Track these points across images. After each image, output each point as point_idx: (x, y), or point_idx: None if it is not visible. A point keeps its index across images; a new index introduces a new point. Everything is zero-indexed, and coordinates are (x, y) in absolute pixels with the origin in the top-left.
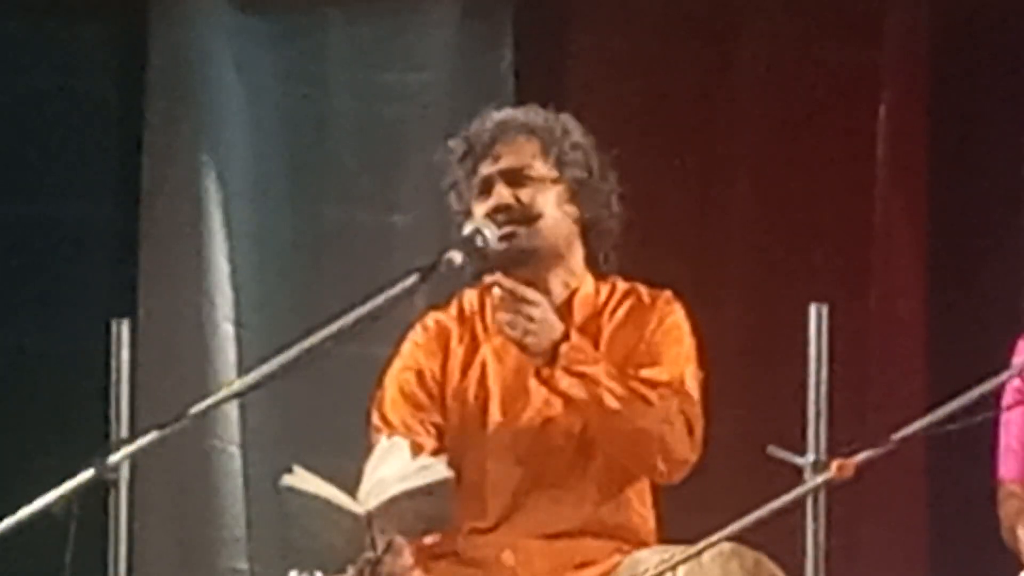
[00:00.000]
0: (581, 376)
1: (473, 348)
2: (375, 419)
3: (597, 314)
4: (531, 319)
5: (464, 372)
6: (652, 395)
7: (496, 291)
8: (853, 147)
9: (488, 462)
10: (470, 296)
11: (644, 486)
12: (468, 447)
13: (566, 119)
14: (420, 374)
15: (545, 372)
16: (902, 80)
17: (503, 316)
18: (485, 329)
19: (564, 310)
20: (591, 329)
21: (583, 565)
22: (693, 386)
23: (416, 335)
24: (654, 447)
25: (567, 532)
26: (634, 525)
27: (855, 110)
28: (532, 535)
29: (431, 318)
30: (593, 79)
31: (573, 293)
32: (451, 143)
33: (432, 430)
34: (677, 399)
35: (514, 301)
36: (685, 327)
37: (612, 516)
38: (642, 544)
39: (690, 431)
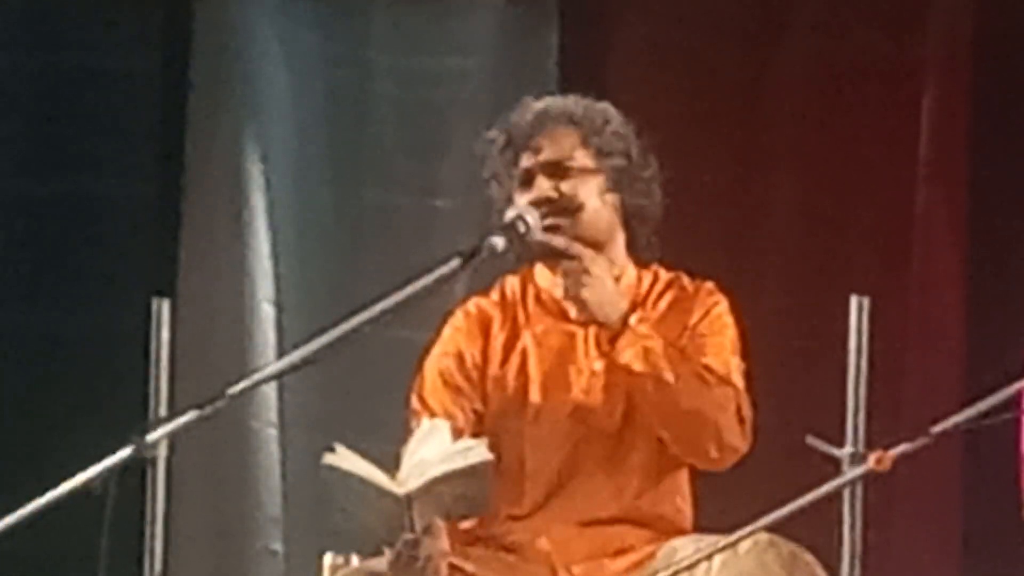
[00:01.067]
0: (644, 350)
1: (514, 334)
2: (414, 403)
3: (640, 303)
4: (589, 275)
5: (505, 358)
6: (709, 378)
7: (561, 265)
8: (895, 139)
9: (526, 448)
10: (512, 282)
11: (683, 477)
12: (507, 433)
13: (605, 107)
14: (460, 359)
15: (606, 346)
16: (945, 72)
17: (566, 281)
18: (527, 315)
19: None
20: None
21: (619, 552)
22: (739, 378)
23: (457, 320)
24: (708, 430)
25: (604, 520)
26: (671, 515)
27: (897, 102)
28: (569, 522)
29: (472, 303)
30: (636, 66)
31: (616, 281)
32: (491, 134)
33: (471, 415)
34: (730, 387)
35: (576, 266)
36: (729, 318)
37: (650, 506)
38: (679, 533)
39: (741, 420)
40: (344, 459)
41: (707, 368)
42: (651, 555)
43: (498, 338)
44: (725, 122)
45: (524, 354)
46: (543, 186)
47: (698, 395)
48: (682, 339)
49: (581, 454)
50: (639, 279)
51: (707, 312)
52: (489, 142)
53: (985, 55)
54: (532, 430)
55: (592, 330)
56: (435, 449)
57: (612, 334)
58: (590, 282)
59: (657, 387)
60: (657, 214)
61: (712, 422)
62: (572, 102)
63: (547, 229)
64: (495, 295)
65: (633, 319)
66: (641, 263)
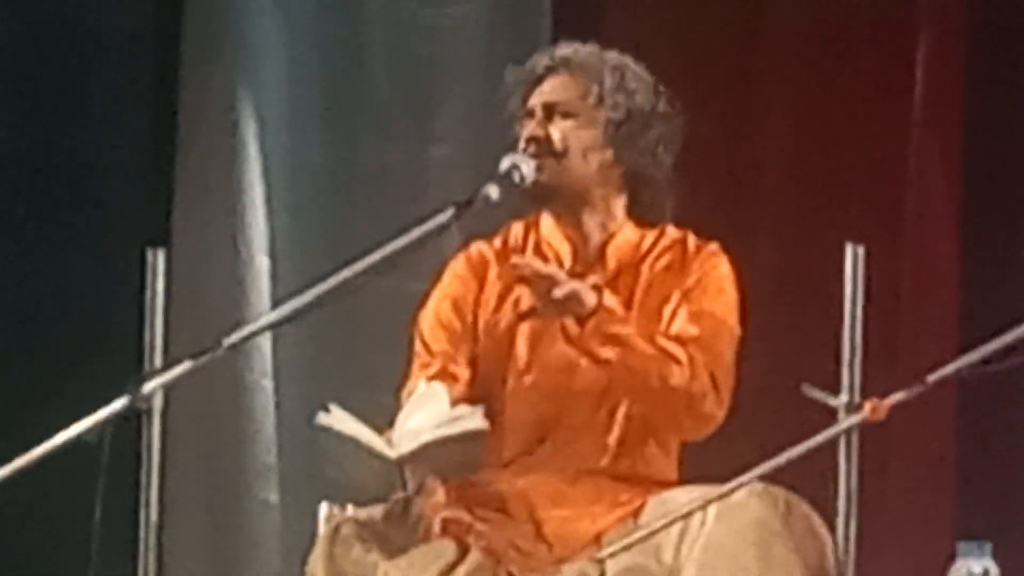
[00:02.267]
0: (610, 337)
1: (510, 282)
2: (417, 345)
3: (637, 262)
4: (564, 296)
5: (499, 304)
6: (680, 353)
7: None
8: (889, 89)
9: (509, 398)
10: (516, 230)
11: (670, 437)
12: (493, 380)
13: (626, 63)
14: (456, 303)
15: (574, 332)
16: (939, 21)
17: (534, 301)
18: (522, 253)
19: (597, 254)
20: (627, 277)
21: (605, 504)
22: (727, 342)
23: (456, 264)
24: (680, 404)
25: (589, 472)
26: (658, 472)
27: (891, 51)
28: (551, 474)
29: (474, 248)
30: (630, 19)
31: (610, 238)
32: (507, 74)
33: (467, 358)
34: (704, 356)
35: (539, 282)
36: (728, 281)
37: (636, 462)
38: (665, 489)
39: (716, 387)
40: (337, 420)
41: (679, 339)
42: (640, 507)
43: (494, 285)
44: (719, 73)
45: (518, 302)
46: (536, 124)
47: (669, 374)
48: (675, 296)
49: (564, 408)
50: (640, 238)
51: (706, 273)
52: (506, 84)
53: (979, 4)
54: (517, 380)
55: (588, 285)
56: (431, 414)
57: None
58: (557, 293)
59: (626, 372)
60: (660, 176)
61: (684, 396)
62: (590, 52)
63: (536, 169)
64: (498, 241)
65: (607, 298)
66: (645, 223)
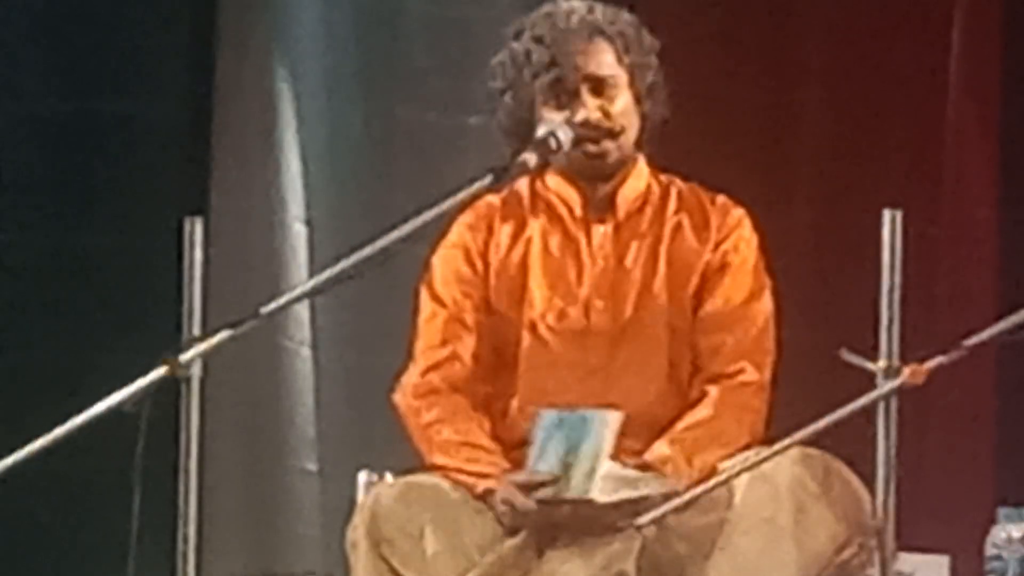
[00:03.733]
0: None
1: (520, 228)
2: (425, 295)
3: (648, 210)
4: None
5: (511, 244)
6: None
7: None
8: (926, 52)
9: (523, 340)
10: (522, 181)
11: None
12: (509, 321)
13: (630, 17)
14: (467, 251)
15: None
16: None
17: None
18: (534, 208)
19: (607, 201)
20: (636, 223)
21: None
22: (761, 328)
23: (464, 216)
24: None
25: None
26: None
27: (929, 16)
28: None
29: (482, 200)
30: None
31: (621, 183)
32: (521, 44)
33: (480, 305)
34: (740, 392)
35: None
36: (751, 236)
37: (669, 411)
38: None
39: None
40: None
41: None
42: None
43: (502, 230)
44: (755, 38)
45: (528, 246)
46: (590, 105)
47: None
48: (696, 271)
49: (581, 353)
50: (648, 186)
51: (730, 231)
52: (519, 52)
53: None
54: (530, 327)
55: (596, 230)
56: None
57: None
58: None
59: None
60: (664, 115)
61: (750, 426)
62: (600, 13)
63: (596, 156)
64: (505, 191)
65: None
66: (652, 166)
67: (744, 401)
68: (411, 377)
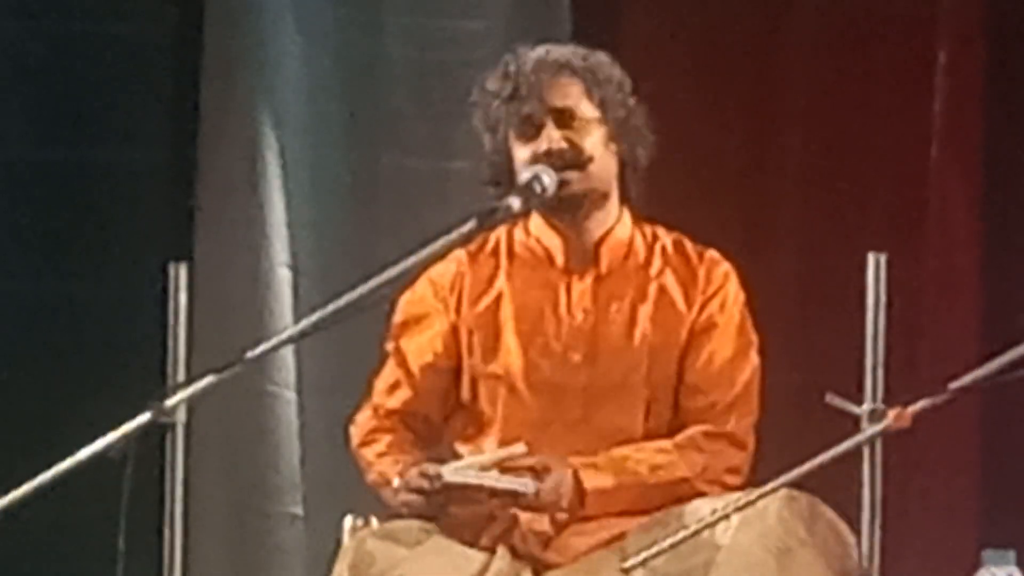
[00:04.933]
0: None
1: (491, 277)
2: (396, 368)
3: (631, 263)
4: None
5: (477, 301)
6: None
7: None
8: (909, 97)
9: (497, 392)
10: (497, 231)
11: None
12: (480, 376)
13: (603, 57)
14: (434, 286)
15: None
16: (959, 28)
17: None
18: (510, 256)
19: (592, 252)
20: (619, 276)
21: (623, 513)
22: (748, 392)
23: (432, 270)
24: (699, 488)
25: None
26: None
27: (911, 58)
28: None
29: (436, 272)
30: (649, 28)
31: (606, 235)
32: (491, 83)
33: (442, 358)
34: (703, 455)
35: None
36: (739, 302)
37: None
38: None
39: (735, 445)
40: (461, 473)
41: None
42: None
43: (472, 283)
44: (737, 80)
45: (500, 298)
46: (553, 136)
47: (677, 476)
48: (681, 334)
49: (556, 407)
50: (632, 237)
51: (716, 292)
52: (490, 90)
53: (999, 9)
54: (505, 381)
55: (576, 282)
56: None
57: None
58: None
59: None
60: (646, 161)
61: (699, 482)
62: (571, 52)
63: (558, 184)
64: (473, 247)
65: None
66: (637, 216)
67: (709, 445)
68: (361, 417)
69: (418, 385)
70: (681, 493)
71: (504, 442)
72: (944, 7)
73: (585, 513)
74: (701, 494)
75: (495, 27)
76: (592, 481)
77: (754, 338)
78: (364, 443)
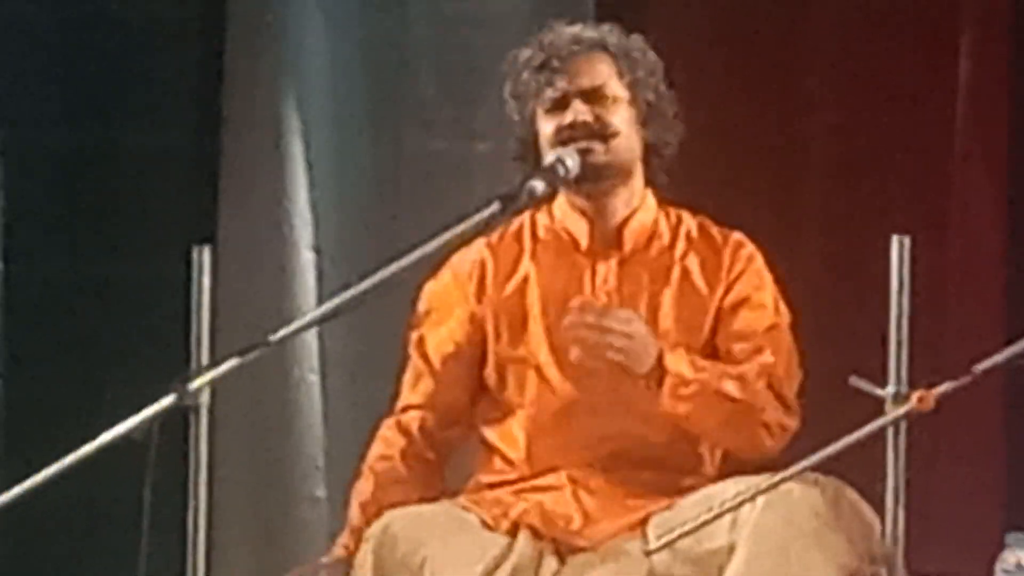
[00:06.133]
0: (681, 397)
1: (516, 261)
2: (416, 357)
3: (664, 249)
4: (628, 337)
5: (503, 286)
6: (749, 375)
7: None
8: (934, 79)
9: (527, 375)
10: (521, 217)
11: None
12: (507, 360)
13: (637, 38)
14: (456, 278)
15: (650, 391)
16: (984, 10)
17: (589, 337)
18: (534, 240)
19: (614, 234)
20: (642, 258)
21: (646, 495)
22: (786, 350)
23: (455, 257)
24: (758, 432)
25: (622, 460)
26: (691, 463)
27: (936, 41)
28: (587, 462)
29: (457, 260)
30: (673, 10)
31: (630, 216)
32: (525, 53)
33: (467, 346)
34: (762, 380)
35: (601, 325)
36: (766, 271)
37: (670, 450)
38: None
39: (783, 401)
40: None
41: (739, 375)
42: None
43: (496, 268)
44: (763, 64)
45: (526, 282)
46: (579, 109)
47: (739, 409)
48: (709, 311)
49: (583, 390)
50: (656, 221)
51: (743, 271)
52: (521, 61)
53: None
54: (533, 365)
55: (600, 264)
56: None
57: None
58: (624, 343)
59: (699, 422)
60: (675, 148)
61: (759, 422)
62: (607, 30)
63: (580, 152)
64: (497, 230)
65: (668, 377)
66: (662, 200)
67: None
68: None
69: (440, 375)
70: (742, 423)
71: (530, 425)
72: None
73: (656, 401)
74: (753, 437)
75: (519, 9)
76: (674, 364)
77: (788, 316)
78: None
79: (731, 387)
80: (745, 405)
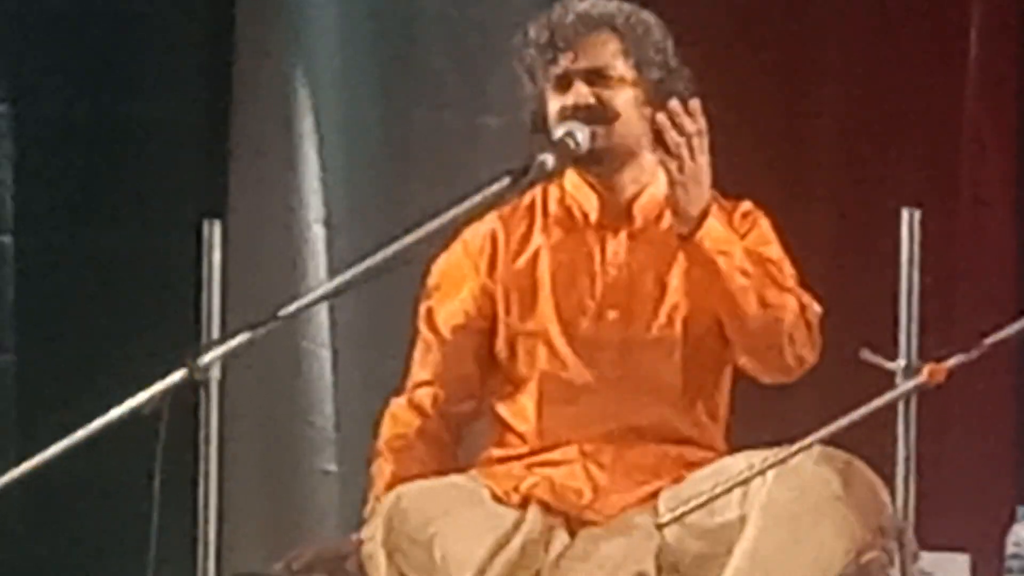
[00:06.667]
0: (722, 252)
1: (527, 235)
2: (425, 330)
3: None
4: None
5: (514, 259)
6: (783, 280)
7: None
8: (943, 52)
9: (537, 348)
10: (533, 191)
11: (720, 398)
12: (517, 333)
13: (647, 16)
14: (466, 247)
15: (688, 242)
16: None
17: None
18: (545, 214)
19: (625, 208)
20: (653, 233)
21: (658, 471)
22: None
23: (466, 231)
24: (784, 337)
25: (635, 430)
26: (706, 440)
27: (946, 14)
28: (589, 435)
29: (469, 233)
30: None
31: (640, 191)
32: (532, 30)
33: (478, 319)
34: (793, 293)
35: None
36: (772, 234)
37: (682, 427)
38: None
39: (808, 326)
40: None
41: (778, 271)
42: (693, 470)
43: (507, 241)
44: (772, 39)
45: (537, 255)
46: (581, 91)
47: (777, 303)
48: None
49: (593, 364)
50: (667, 196)
51: (751, 228)
52: (529, 37)
53: None
54: (543, 338)
55: (610, 239)
56: None
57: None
58: (689, 168)
59: (733, 292)
60: None
61: (788, 326)
62: (615, 7)
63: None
64: (509, 204)
65: (705, 229)
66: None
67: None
68: (396, 407)
69: (450, 346)
70: (769, 323)
71: (541, 399)
72: None
73: (691, 243)
74: (777, 338)
75: None
76: (710, 223)
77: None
78: (387, 446)
79: (768, 284)
80: (776, 308)
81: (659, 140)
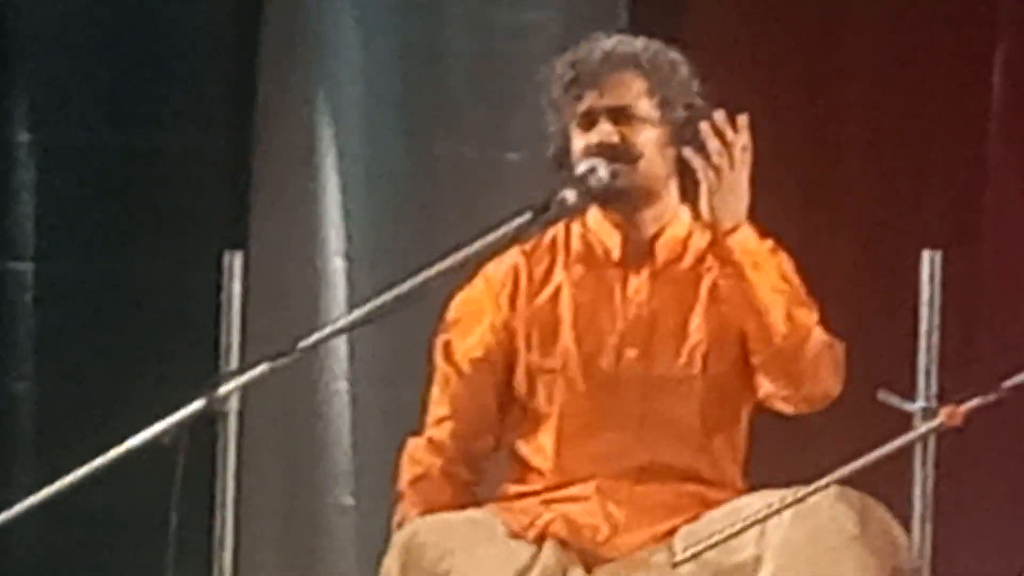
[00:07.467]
0: (754, 264)
1: (548, 272)
2: (443, 364)
3: (696, 262)
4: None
5: (536, 296)
6: (811, 304)
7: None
8: (966, 93)
9: (557, 386)
10: (555, 228)
11: (738, 438)
12: (537, 370)
13: (674, 55)
14: (488, 283)
15: (722, 247)
16: (1017, 24)
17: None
18: (567, 251)
19: (647, 247)
20: (674, 272)
21: (675, 509)
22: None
23: (488, 267)
24: (807, 359)
25: (650, 472)
26: (724, 477)
27: (970, 52)
28: (604, 473)
29: (491, 268)
30: (707, 18)
31: (661, 230)
32: (558, 67)
33: (498, 357)
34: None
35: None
36: (792, 274)
37: (701, 464)
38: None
39: (834, 355)
40: None
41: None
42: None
43: (529, 278)
44: (796, 78)
45: (558, 292)
46: (605, 129)
47: (803, 319)
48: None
49: (613, 401)
50: (689, 235)
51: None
52: (555, 74)
53: None
54: (563, 375)
55: (632, 277)
56: None
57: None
58: (728, 178)
59: (762, 306)
60: None
61: (814, 346)
62: (642, 46)
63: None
64: (528, 245)
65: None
66: (697, 215)
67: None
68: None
69: (468, 379)
70: (797, 319)
71: (560, 435)
72: (1002, 3)
73: (724, 247)
74: (797, 346)
75: (553, 18)
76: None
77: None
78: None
79: (797, 304)
80: (802, 327)
81: (700, 149)
